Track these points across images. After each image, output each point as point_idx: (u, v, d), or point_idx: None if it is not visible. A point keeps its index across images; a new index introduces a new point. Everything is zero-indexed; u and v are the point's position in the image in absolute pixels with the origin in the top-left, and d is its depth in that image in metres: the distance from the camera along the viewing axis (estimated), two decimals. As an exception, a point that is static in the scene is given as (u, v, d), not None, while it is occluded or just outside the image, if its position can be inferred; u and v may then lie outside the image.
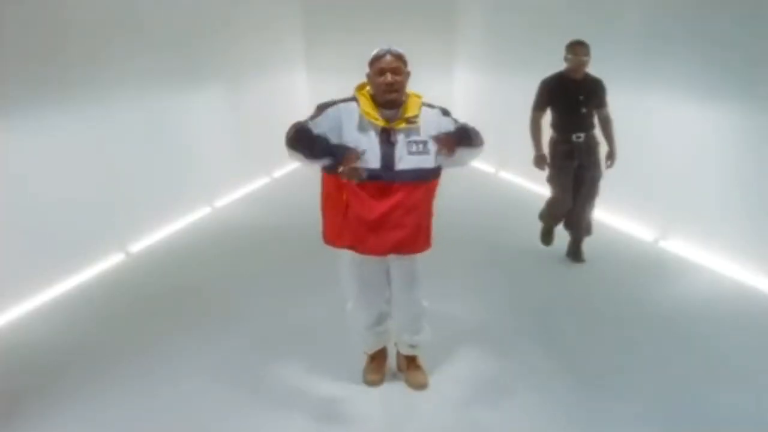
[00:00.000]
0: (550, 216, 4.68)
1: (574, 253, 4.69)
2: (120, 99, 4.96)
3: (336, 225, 2.74)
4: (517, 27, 7.09)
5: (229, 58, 6.72)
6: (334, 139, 2.61)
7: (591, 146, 4.47)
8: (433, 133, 2.66)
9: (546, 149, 4.51)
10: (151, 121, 5.43)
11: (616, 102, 5.39)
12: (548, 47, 6.37)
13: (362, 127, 2.64)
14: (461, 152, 2.70)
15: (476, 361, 3.31)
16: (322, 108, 2.69)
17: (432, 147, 2.67)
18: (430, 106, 2.75)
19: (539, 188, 6.78)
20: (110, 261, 4.85)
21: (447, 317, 3.60)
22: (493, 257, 4.86)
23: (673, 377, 3.13)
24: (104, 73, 4.76)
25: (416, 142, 2.66)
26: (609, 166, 4.51)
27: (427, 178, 2.72)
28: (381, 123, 2.63)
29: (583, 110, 4.36)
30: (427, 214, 2.80)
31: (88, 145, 4.64)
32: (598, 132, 4.55)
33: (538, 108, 4.50)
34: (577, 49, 4.26)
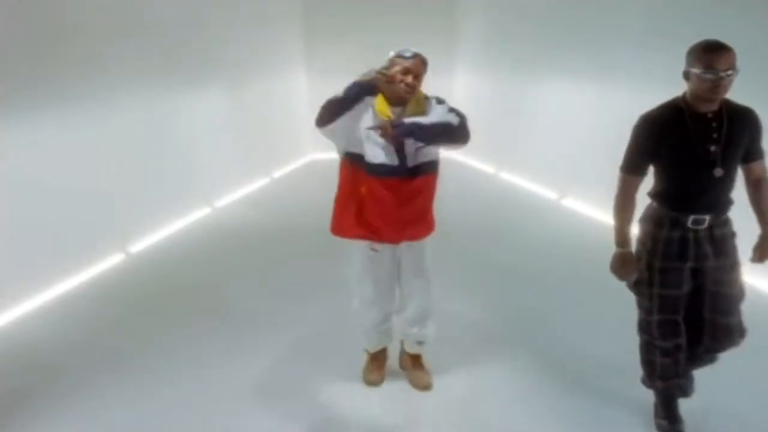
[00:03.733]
0: (650, 365, 2.67)
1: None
2: (120, 99, 4.97)
3: (350, 216, 2.78)
4: (518, 27, 7.10)
5: (229, 58, 6.72)
6: (351, 126, 2.65)
7: (720, 239, 2.50)
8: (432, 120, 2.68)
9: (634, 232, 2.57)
10: (152, 121, 5.43)
11: (616, 99, 5.36)
12: (549, 47, 6.42)
13: (375, 122, 2.67)
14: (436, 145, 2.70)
15: (477, 362, 3.31)
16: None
17: None
18: (426, 98, 2.79)
19: (539, 189, 6.82)
20: (110, 261, 4.85)
21: (449, 317, 3.60)
22: (493, 258, 4.86)
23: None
24: (103, 73, 4.77)
25: None
26: (755, 260, 2.60)
27: (434, 168, 2.79)
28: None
29: (718, 172, 2.38)
30: (432, 201, 2.89)
31: (88, 145, 4.63)
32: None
33: (633, 167, 2.50)
34: (716, 57, 2.28)
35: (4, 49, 3.88)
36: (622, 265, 2.55)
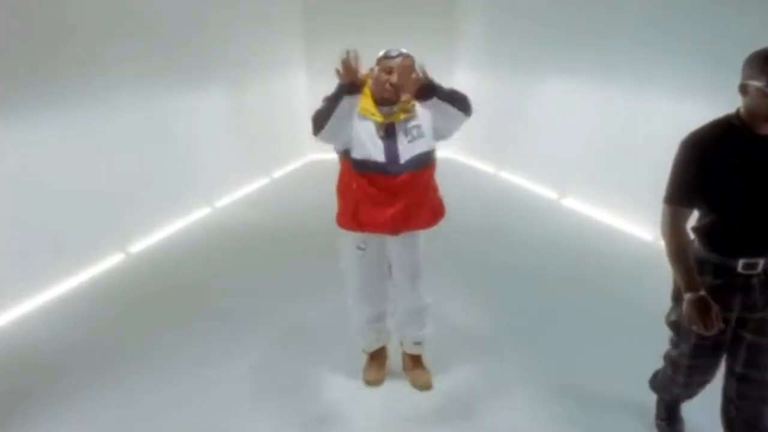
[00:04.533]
0: (666, 389, 2.56)
1: None
2: (120, 99, 4.97)
3: (349, 210, 2.79)
4: (518, 27, 7.09)
5: (229, 58, 6.72)
6: (345, 128, 2.64)
7: None
8: (425, 111, 2.65)
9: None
10: (152, 121, 5.43)
11: (616, 99, 5.38)
12: (549, 47, 6.42)
13: (362, 121, 2.66)
14: (439, 106, 2.61)
15: (477, 361, 3.31)
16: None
17: (427, 127, 2.70)
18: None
19: (539, 189, 6.82)
20: (110, 261, 4.85)
21: (448, 317, 3.61)
22: (493, 258, 4.86)
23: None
24: (103, 73, 4.76)
25: (413, 128, 2.69)
26: None
27: (428, 161, 2.75)
28: (379, 119, 2.66)
29: None
30: (434, 190, 2.87)
31: (88, 145, 4.63)
32: None
33: (680, 198, 2.11)
34: None
35: (4, 49, 3.88)
36: (700, 312, 2.03)
